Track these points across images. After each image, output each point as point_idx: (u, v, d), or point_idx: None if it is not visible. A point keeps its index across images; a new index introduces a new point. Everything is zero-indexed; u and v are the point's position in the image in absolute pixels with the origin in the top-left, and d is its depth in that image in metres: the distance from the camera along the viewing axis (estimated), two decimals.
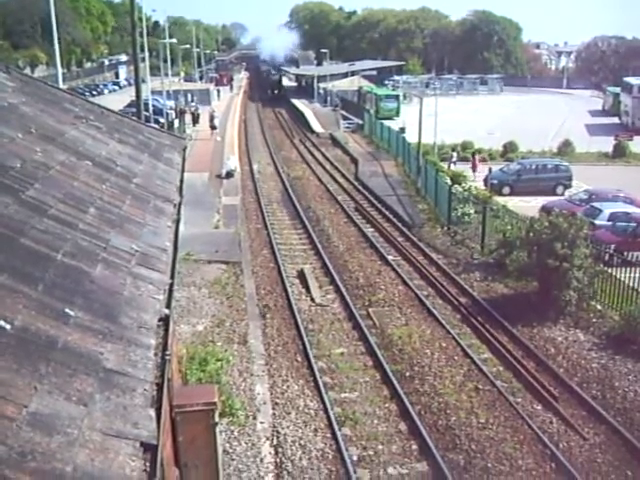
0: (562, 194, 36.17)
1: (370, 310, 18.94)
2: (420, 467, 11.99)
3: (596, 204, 28.94)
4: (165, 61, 56.90)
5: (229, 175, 34.05)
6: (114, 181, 7.29)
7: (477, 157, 42.68)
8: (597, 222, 25.72)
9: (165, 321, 4.91)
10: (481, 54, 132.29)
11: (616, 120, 69.84)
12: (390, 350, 16.51)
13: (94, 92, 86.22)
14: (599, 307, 18.37)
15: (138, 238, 6.04)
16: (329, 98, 78.30)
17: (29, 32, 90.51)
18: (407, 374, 15.32)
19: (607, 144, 51.50)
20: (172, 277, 5.71)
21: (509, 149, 48.39)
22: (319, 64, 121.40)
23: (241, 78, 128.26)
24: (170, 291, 5.45)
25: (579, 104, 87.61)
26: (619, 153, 50.02)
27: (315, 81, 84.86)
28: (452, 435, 12.92)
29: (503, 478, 11.67)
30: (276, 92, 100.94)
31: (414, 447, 12.55)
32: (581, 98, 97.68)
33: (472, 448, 12.49)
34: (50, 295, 4.29)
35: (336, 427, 12.90)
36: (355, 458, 12.16)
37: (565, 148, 49.35)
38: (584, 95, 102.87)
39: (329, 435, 12.73)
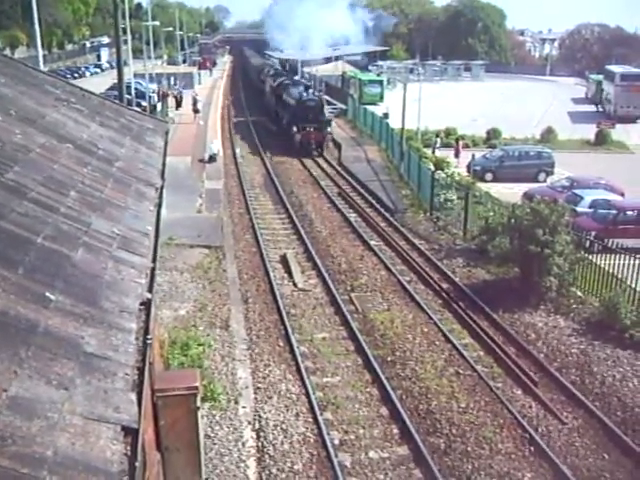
0: (544, 181, 36.42)
1: (352, 295, 18.99)
2: (401, 451, 12.09)
3: (577, 191, 29.16)
4: (148, 44, 56.36)
5: (212, 159, 33.83)
6: (95, 164, 7.23)
7: (460, 143, 42.83)
8: (578, 209, 25.92)
9: (147, 305, 4.90)
10: (465, 40, 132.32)
11: (599, 108, 70.24)
12: (372, 335, 16.58)
13: (75, 74, 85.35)
14: (579, 293, 18.53)
15: (120, 222, 6.01)
16: (313, 83, 78.00)
17: (9, 12, 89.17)
18: (389, 359, 15.40)
19: (589, 131, 51.86)
20: (154, 261, 5.69)
21: (492, 136, 48.59)
22: (303, 48, 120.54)
23: (224, 62, 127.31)
24: (152, 275, 5.43)
25: (562, 91, 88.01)
26: (601, 141, 50.43)
27: (299, 65, 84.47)
28: (433, 419, 13.02)
29: (483, 461, 11.79)
30: (311, 130, 40.24)
31: (395, 431, 12.64)
32: (564, 85, 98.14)
33: (452, 432, 12.60)
34: (30, 279, 4.26)
35: (318, 411, 12.96)
36: (337, 442, 12.23)
37: (548, 135, 49.67)
38: (567, 82, 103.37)
39: (311, 419, 12.79)
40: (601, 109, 69.79)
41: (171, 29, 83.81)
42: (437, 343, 16.18)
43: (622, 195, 30.23)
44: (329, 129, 41.63)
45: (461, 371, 14.86)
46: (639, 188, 30.74)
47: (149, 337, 4.54)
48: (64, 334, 3.92)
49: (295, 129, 39.97)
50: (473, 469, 11.63)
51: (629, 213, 25.46)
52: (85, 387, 3.55)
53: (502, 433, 12.63)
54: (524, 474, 11.54)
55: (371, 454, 11.97)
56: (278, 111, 46.53)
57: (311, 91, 44.85)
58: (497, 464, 11.75)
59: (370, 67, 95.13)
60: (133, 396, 3.70)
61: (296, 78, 56.26)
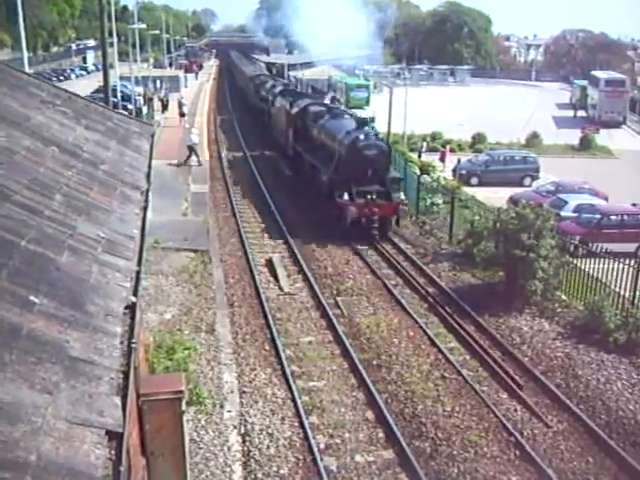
0: (529, 185, 36.71)
1: (338, 299, 18.98)
2: (387, 455, 12.10)
3: (562, 196, 29.39)
4: (134, 47, 56.20)
5: (191, 149, 33.28)
6: (81, 167, 7.20)
7: (447, 147, 43.07)
8: (563, 213, 26.10)
9: (132, 309, 4.88)
10: (451, 45, 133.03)
11: (583, 113, 70.76)
12: (358, 339, 16.57)
13: (61, 77, 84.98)
14: (564, 297, 18.64)
15: (105, 225, 5.99)
16: (300, 87, 78.15)
17: None
18: (374, 363, 15.39)
19: (574, 136, 52.27)
20: (139, 264, 5.68)
21: (478, 140, 48.93)
22: (289, 52, 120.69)
23: (211, 65, 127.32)
24: (137, 279, 5.41)
25: (547, 97, 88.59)
26: (585, 146, 50.94)
27: (286, 69, 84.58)
28: (418, 423, 13.03)
29: (468, 465, 11.82)
30: (373, 199, 23.99)
31: (381, 435, 12.65)
32: (549, 91, 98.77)
33: (438, 436, 12.61)
34: (14, 282, 4.24)
35: (303, 415, 12.95)
36: (322, 446, 12.21)
37: (533, 140, 50.10)
38: (552, 88, 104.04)
39: (297, 423, 12.76)
40: (579, 114, 70.24)
41: (157, 32, 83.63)
42: (423, 347, 16.19)
43: (606, 200, 30.50)
44: (401, 195, 25.01)
45: (447, 375, 14.88)
46: (623, 192, 30.99)
47: (134, 341, 4.52)
48: (48, 338, 3.89)
49: (346, 196, 23.87)
50: (459, 472, 11.65)
51: (613, 217, 25.67)
52: (69, 391, 3.53)
53: (487, 436, 12.66)
54: (509, 477, 11.57)
55: (357, 458, 11.96)
56: (302, 152, 29.76)
57: (369, 129, 26.86)
58: (482, 467, 11.77)
59: (356, 71, 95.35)
60: (118, 400, 3.68)
61: (334, 105, 37.74)
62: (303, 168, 29.88)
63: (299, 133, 31.33)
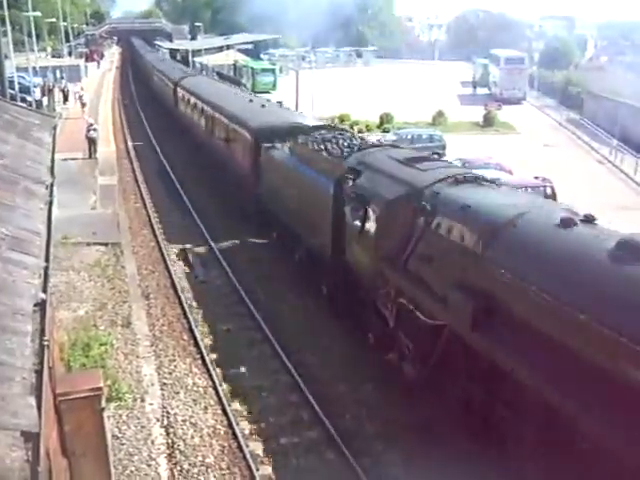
0: None
1: (256, 286, 18.91)
2: (312, 435, 12.22)
3: None
4: (29, 36, 53.98)
5: (91, 141, 32.05)
6: None
7: (356, 128, 43.48)
8: None
9: (42, 306, 4.75)
10: (356, 27, 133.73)
11: (486, 90, 72.62)
12: (277, 324, 16.58)
13: None
14: None
15: (8, 222, 5.79)
16: (205, 72, 77.08)
17: None
18: (295, 347, 15.49)
19: (478, 113, 53.75)
20: (47, 260, 5.53)
21: (385, 120, 49.48)
22: (193, 38, 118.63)
23: (112, 53, 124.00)
24: (46, 275, 5.27)
25: (451, 75, 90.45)
26: (489, 122, 52.41)
27: (190, 55, 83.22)
28: (339, 404, 13.19)
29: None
30: None
31: (305, 416, 12.75)
32: (452, 69, 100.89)
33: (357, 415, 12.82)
34: None
35: (226, 403, 12.93)
36: (247, 432, 12.25)
37: (439, 118, 51.10)
38: (455, 67, 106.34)
39: (219, 411, 12.75)
40: (483, 92, 71.98)
41: (54, 20, 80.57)
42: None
43: (510, 173, 31.50)
44: None
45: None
46: (526, 166, 32.11)
47: (46, 339, 4.41)
48: None
49: None
50: None
51: None
52: None
53: None
54: None
55: (282, 441, 12.04)
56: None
57: None
58: None
59: (262, 55, 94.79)
60: (32, 400, 3.58)
61: None
62: None
63: None
